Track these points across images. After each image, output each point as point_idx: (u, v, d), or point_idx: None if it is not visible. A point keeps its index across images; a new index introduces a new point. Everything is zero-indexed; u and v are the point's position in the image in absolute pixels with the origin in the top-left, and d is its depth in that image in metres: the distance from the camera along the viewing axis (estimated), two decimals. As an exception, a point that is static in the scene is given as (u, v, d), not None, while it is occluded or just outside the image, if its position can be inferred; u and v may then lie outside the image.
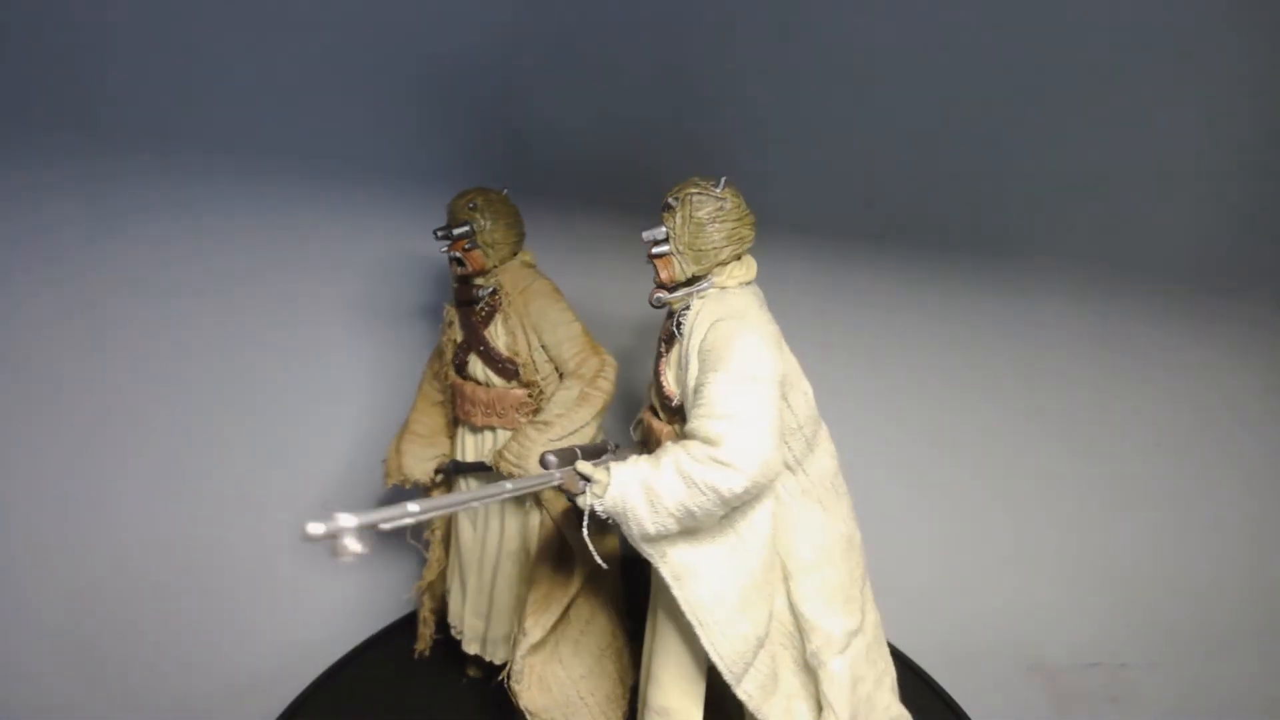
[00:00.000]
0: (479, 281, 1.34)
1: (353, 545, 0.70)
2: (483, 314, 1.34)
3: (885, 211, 1.70)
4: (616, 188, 1.52)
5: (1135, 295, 1.75)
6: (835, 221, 1.70)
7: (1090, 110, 1.64)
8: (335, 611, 1.75)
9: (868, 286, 1.75)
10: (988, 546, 1.85)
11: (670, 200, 1.07)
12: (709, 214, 1.05)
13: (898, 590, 1.82)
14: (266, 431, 1.68)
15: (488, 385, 1.34)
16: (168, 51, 1.47)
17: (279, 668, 1.55)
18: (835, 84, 1.62)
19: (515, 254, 1.36)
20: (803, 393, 1.04)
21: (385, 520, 0.76)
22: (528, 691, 1.24)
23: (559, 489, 0.99)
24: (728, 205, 1.06)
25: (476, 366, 1.35)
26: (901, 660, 1.51)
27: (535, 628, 1.22)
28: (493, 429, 1.35)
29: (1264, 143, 1.65)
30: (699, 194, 1.06)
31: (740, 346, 0.98)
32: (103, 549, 1.65)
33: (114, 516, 1.65)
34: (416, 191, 1.51)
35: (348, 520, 0.70)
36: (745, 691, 1.01)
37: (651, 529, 0.96)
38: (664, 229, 1.06)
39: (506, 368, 1.32)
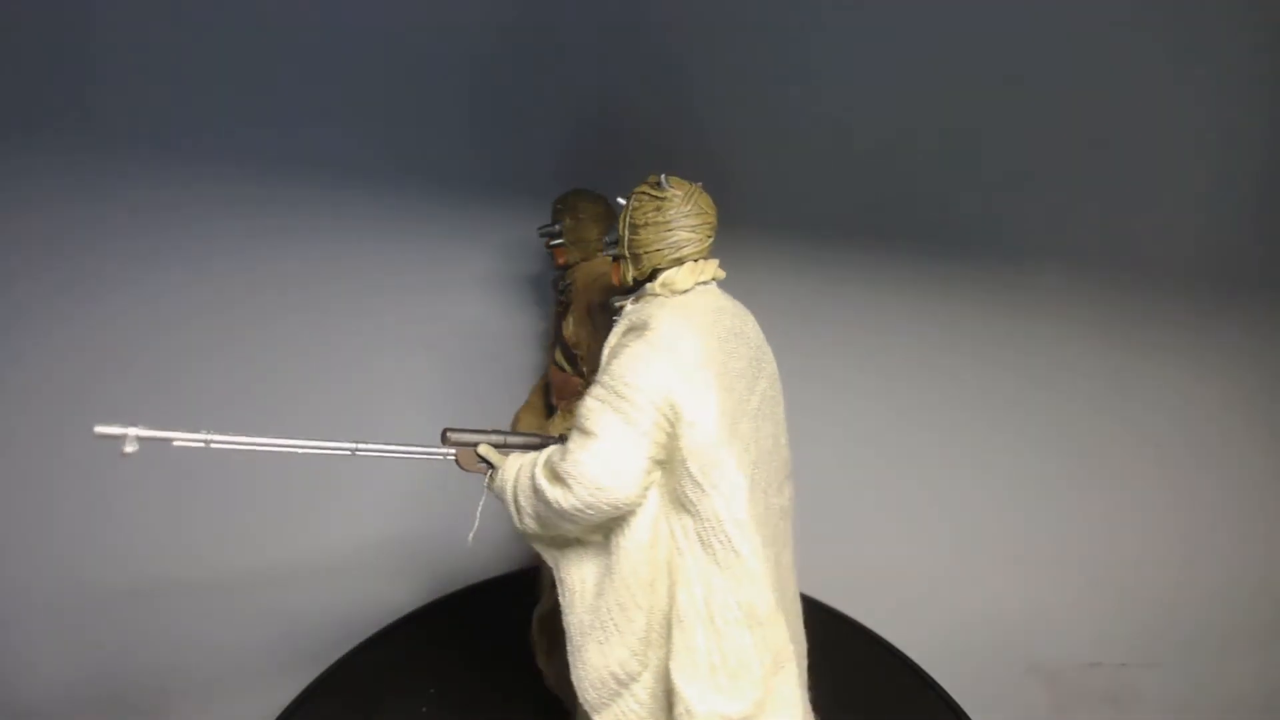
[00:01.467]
0: (567, 275, 1.41)
1: (129, 447, 0.85)
2: (562, 305, 1.40)
3: (885, 213, 1.70)
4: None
5: (1137, 296, 1.74)
6: (834, 222, 1.70)
7: (1090, 110, 1.63)
8: (339, 608, 1.74)
9: (868, 287, 1.74)
10: (988, 547, 1.85)
11: (619, 200, 1.03)
12: (644, 216, 0.98)
13: (898, 590, 1.82)
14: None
15: (562, 369, 1.41)
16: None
17: (281, 664, 1.55)
18: (833, 81, 1.62)
19: (601, 250, 1.39)
20: (690, 423, 0.90)
21: (180, 440, 0.88)
22: (542, 654, 1.31)
23: (461, 467, 1.01)
24: (665, 206, 0.98)
25: (558, 351, 1.42)
26: (902, 660, 1.51)
27: (546, 598, 1.27)
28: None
29: (1269, 144, 1.65)
30: (639, 193, 1.00)
31: (625, 359, 0.92)
32: (113, 543, 1.65)
33: (129, 510, 1.65)
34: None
35: (135, 430, 0.85)
36: None
37: (518, 523, 0.96)
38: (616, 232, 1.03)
39: (571, 355, 1.38)
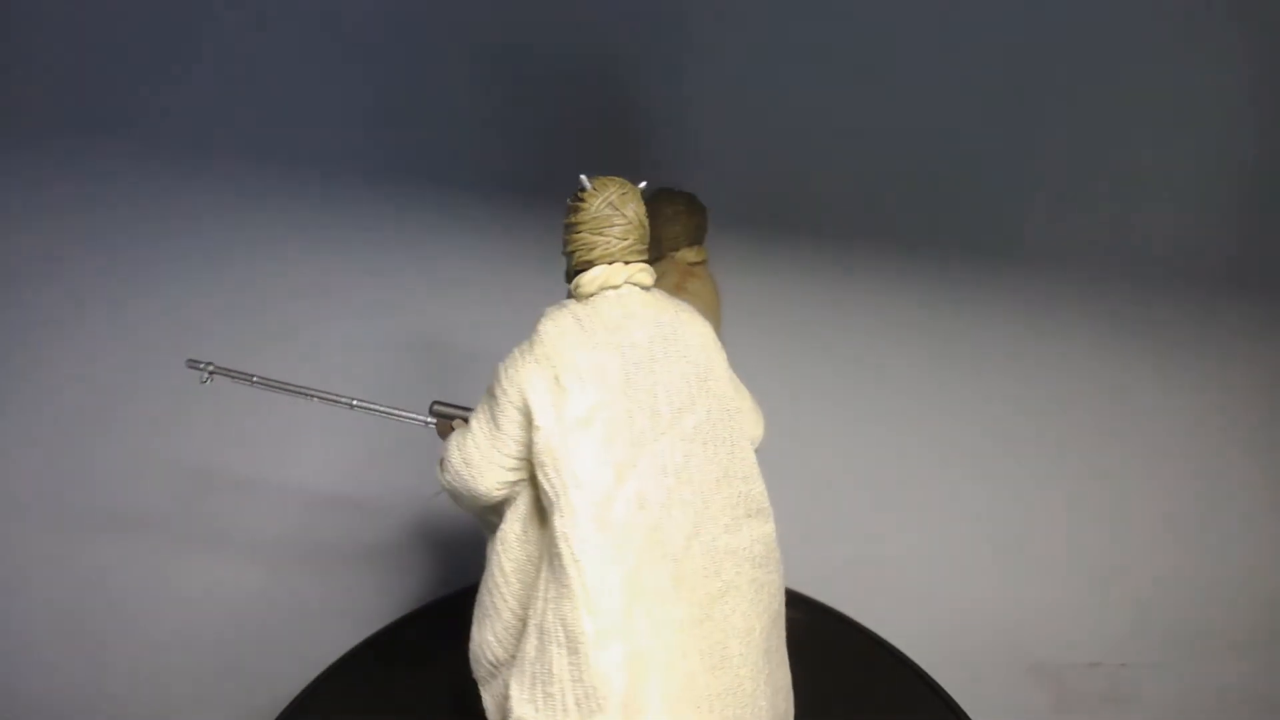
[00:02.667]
0: None
1: (203, 379, 1.10)
2: None
3: (885, 212, 1.70)
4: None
5: (1137, 296, 1.75)
6: (833, 221, 1.70)
7: (1090, 109, 1.64)
8: (334, 611, 1.75)
9: (866, 287, 1.75)
10: (988, 546, 1.85)
11: (569, 201, 1.01)
12: (568, 217, 0.97)
13: (898, 590, 1.82)
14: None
15: None
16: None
17: (279, 667, 1.55)
18: (831, 81, 1.62)
19: (675, 250, 1.35)
20: (537, 427, 0.90)
21: (234, 376, 1.09)
22: None
23: (440, 437, 1.06)
24: (581, 207, 0.96)
25: None
26: (901, 660, 1.51)
27: None
28: None
29: (1268, 143, 1.65)
30: (574, 195, 0.98)
31: (506, 359, 0.94)
32: (106, 545, 1.65)
33: (120, 512, 1.65)
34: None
35: (207, 365, 1.10)
36: (484, 698, 0.99)
37: None
38: None
39: None
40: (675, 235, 1.35)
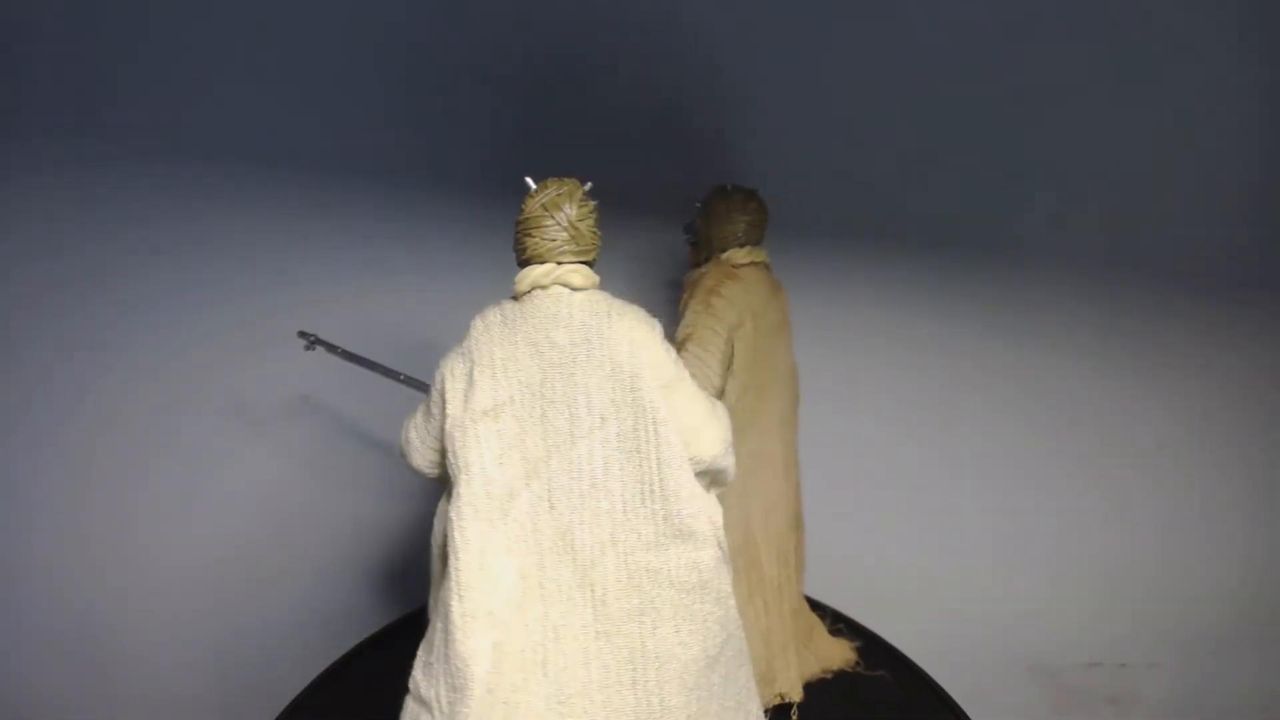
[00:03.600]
0: None
1: (306, 346, 1.29)
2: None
3: (885, 210, 1.70)
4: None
5: (1137, 296, 1.75)
6: (834, 221, 1.70)
7: (1094, 107, 1.64)
8: (334, 611, 1.74)
9: (865, 286, 1.75)
10: (987, 546, 1.85)
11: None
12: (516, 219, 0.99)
13: (897, 590, 1.82)
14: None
15: None
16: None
17: (278, 667, 1.55)
18: (835, 82, 1.62)
19: (724, 250, 1.30)
20: (446, 415, 0.94)
21: (329, 348, 1.29)
22: None
23: None
24: (522, 208, 0.97)
25: None
26: (901, 660, 1.51)
27: None
28: None
29: (1272, 141, 1.65)
30: None
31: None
32: (105, 546, 1.65)
33: (119, 514, 1.65)
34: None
35: (312, 335, 1.29)
36: None
37: None
38: None
39: None
40: (725, 236, 1.29)
